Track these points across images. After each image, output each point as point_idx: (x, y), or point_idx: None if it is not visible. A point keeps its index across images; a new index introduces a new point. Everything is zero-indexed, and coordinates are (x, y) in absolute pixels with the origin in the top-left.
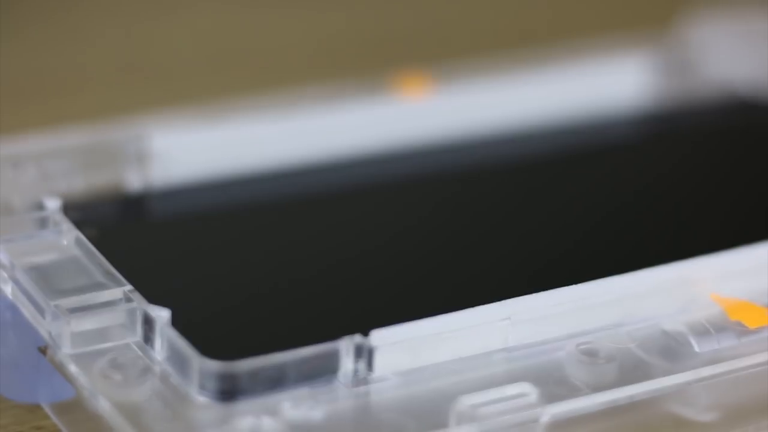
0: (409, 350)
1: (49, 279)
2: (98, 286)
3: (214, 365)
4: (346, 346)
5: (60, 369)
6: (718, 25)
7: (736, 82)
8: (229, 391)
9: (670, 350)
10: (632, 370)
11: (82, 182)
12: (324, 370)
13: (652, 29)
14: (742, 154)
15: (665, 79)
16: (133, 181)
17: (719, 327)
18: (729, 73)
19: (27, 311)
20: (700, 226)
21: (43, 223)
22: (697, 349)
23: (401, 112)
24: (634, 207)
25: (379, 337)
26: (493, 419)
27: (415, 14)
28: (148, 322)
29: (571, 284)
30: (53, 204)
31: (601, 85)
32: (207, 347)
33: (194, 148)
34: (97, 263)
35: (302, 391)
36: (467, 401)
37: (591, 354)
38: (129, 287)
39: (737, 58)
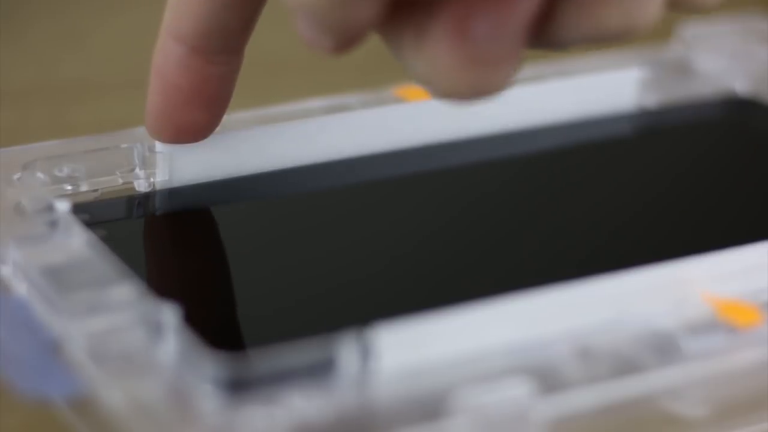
0: (410, 344)
1: (61, 278)
2: (109, 284)
3: (222, 359)
4: (348, 339)
5: (72, 365)
6: (717, 26)
7: (735, 82)
8: (237, 384)
9: (661, 348)
10: (624, 368)
11: (90, 185)
12: (327, 364)
13: (653, 31)
14: (738, 154)
15: (664, 79)
16: (139, 182)
17: (710, 326)
18: (727, 73)
19: (40, 309)
20: (695, 225)
21: (53, 224)
22: (687, 347)
23: (403, 115)
24: (632, 205)
25: (380, 331)
26: (487, 413)
27: None
28: (158, 318)
29: (568, 281)
30: (63, 206)
31: (602, 85)
32: (216, 342)
33: (202, 151)
34: (106, 262)
35: (307, 384)
36: (464, 395)
37: (584, 351)
38: (139, 285)
39: (736, 58)
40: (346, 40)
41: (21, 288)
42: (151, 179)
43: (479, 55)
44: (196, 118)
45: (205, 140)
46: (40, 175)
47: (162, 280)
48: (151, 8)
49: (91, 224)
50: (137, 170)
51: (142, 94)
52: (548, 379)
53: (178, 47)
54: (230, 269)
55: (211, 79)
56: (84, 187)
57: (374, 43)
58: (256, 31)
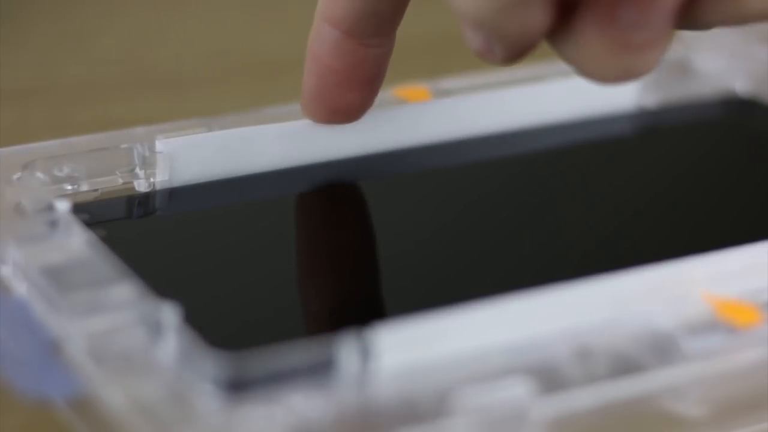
0: (410, 344)
1: (61, 278)
2: (109, 284)
3: (222, 359)
4: (348, 339)
5: (72, 365)
6: None
7: (735, 82)
8: (237, 384)
9: (661, 348)
10: (624, 367)
11: (90, 185)
12: (327, 364)
13: None
14: (738, 154)
15: (664, 79)
16: (139, 182)
17: (709, 326)
18: (727, 73)
19: (40, 309)
20: (695, 225)
21: (53, 224)
22: (687, 347)
23: (403, 116)
24: (632, 205)
25: (380, 331)
26: (487, 413)
27: (415, 29)
28: (158, 318)
29: (568, 281)
30: (63, 206)
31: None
32: (216, 342)
33: (202, 152)
34: (107, 262)
35: (307, 384)
36: (464, 395)
37: (584, 351)
38: (139, 284)
39: (736, 58)
40: (518, 50)
41: (21, 288)
42: (151, 179)
43: (627, 41)
44: (350, 99)
45: (205, 140)
46: (40, 175)
47: (162, 280)
48: (152, 10)
49: (91, 224)
50: (137, 170)
51: (142, 94)
52: (548, 379)
53: (332, 31)
54: (230, 269)
55: (364, 62)
56: (84, 187)
57: None
58: (257, 31)
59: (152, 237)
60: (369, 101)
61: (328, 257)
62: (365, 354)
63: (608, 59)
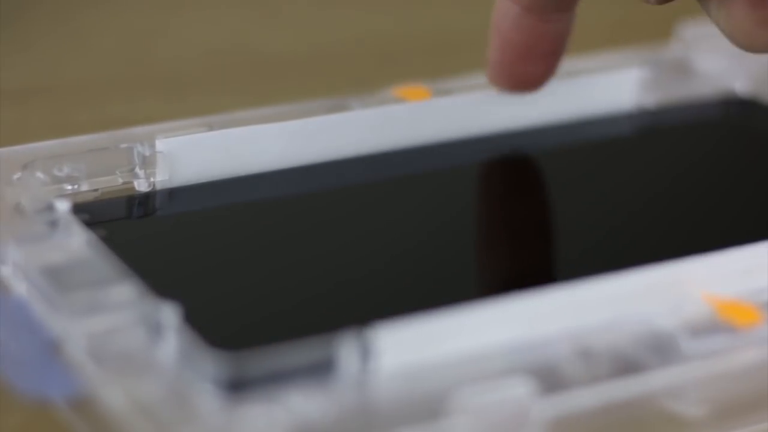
0: (410, 344)
1: (61, 278)
2: (109, 284)
3: (222, 359)
4: (348, 338)
5: (72, 365)
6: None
7: (735, 82)
8: (237, 384)
9: (661, 348)
10: (624, 367)
11: (90, 185)
12: (327, 364)
13: (653, 31)
14: (738, 154)
15: (664, 79)
16: (139, 182)
17: (710, 326)
18: (727, 73)
19: (40, 309)
20: (694, 225)
21: (53, 224)
22: (687, 347)
23: (402, 115)
24: (632, 205)
25: (380, 330)
26: (488, 413)
27: (415, 28)
28: (158, 318)
29: (568, 281)
30: (63, 206)
31: (602, 85)
32: (216, 341)
33: (202, 151)
34: (107, 262)
35: (307, 384)
36: (464, 395)
37: (584, 351)
38: (139, 285)
39: (736, 58)
40: None
41: (21, 288)
42: (151, 179)
43: None
44: (531, 71)
45: (205, 140)
46: (40, 174)
47: (162, 280)
48: (152, 10)
49: (91, 224)
50: (137, 170)
51: (142, 94)
52: (548, 379)
53: (514, 7)
54: (230, 269)
55: (544, 36)
56: (84, 187)
57: (374, 42)
58: (257, 31)
59: (152, 237)
60: (550, 73)
61: (327, 257)
62: (365, 354)
63: (757, 33)
